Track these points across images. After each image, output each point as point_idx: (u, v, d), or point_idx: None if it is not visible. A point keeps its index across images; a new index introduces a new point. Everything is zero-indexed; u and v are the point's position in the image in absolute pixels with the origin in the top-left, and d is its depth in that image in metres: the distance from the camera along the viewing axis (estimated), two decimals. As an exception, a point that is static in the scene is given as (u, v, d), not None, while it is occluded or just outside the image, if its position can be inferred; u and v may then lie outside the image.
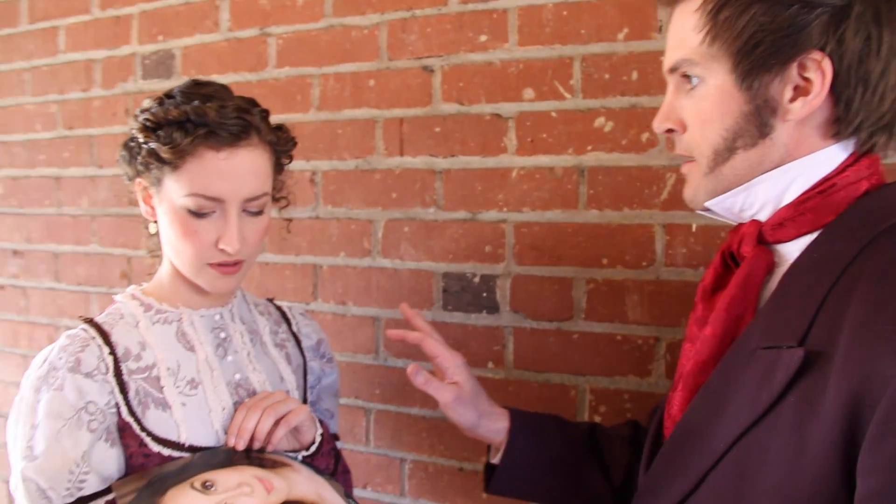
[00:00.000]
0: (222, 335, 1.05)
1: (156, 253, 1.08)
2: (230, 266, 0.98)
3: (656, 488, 0.77)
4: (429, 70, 1.38)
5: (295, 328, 1.18)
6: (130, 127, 1.01)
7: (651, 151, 1.20)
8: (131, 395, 0.95)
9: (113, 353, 0.96)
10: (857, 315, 0.63)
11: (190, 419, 0.97)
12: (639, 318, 1.22)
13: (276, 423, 0.99)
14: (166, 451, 0.94)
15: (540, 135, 1.28)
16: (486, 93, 1.33)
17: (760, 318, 0.72)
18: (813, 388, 0.64)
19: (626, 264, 1.23)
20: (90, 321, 1.00)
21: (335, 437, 1.18)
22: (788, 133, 0.72)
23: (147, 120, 0.97)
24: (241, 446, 0.98)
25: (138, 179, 1.01)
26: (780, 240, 0.75)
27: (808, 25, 0.69)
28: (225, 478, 0.94)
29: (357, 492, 1.37)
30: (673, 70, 0.77)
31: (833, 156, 0.73)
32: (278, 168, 1.05)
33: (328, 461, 1.10)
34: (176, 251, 1.00)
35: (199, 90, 0.99)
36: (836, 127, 0.72)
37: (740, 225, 0.79)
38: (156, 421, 0.95)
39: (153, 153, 0.95)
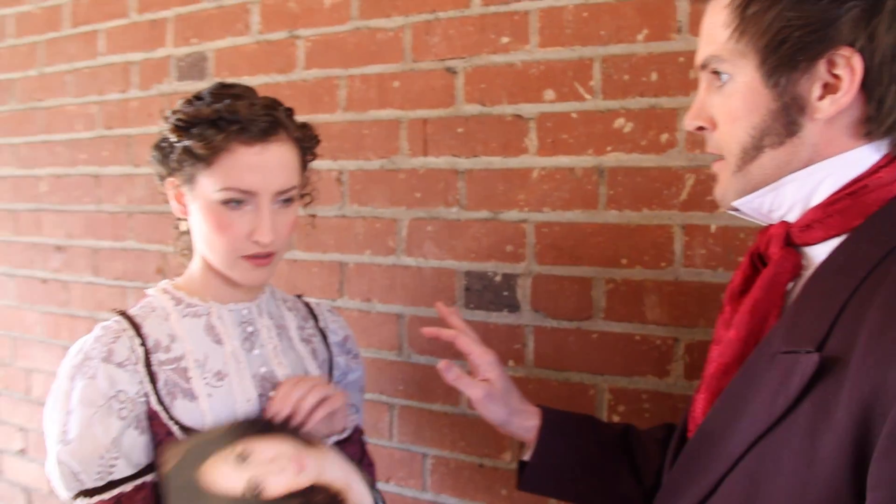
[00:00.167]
0: (249, 329, 1.08)
1: (184, 252, 1.12)
2: (263, 258, 1.02)
3: (676, 490, 0.76)
4: (452, 71, 1.40)
5: (322, 324, 1.20)
6: (161, 129, 1.04)
7: (670, 152, 1.20)
8: (160, 384, 0.99)
9: (144, 344, 1.00)
10: (874, 320, 0.61)
11: (215, 409, 1.00)
12: (657, 319, 1.22)
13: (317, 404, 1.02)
14: (192, 440, 0.98)
15: (560, 135, 1.29)
16: (507, 94, 1.34)
17: (783, 322, 0.71)
18: (827, 396, 0.62)
19: (645, 265, 1.23)
20: (123, 313, 1.04)
21: (360, 432, 1.21)
22: (817, 132, 0.70)
23: (179, 120, 1.01)
24: (282, 414, 1.00)
25: (170, 178, 1.04)
26: (808, 242, 0.73)
27: (837, 20, 0.66)
28: (262, 448, 0.96)
29: (380, 485, 1.39)
30: (703, 67, 0.76)
31: (864, 156, 0.70)
32: (303, 165, 1.08)
33: (356, 450, 1.14)
34: (210, 246, 1.03)
35: (227, 91, 1.03)
36: (868, 126, 0.69)
37: (770, 226, 0.77)
38: (183, 410, 0.99)
39: (187, 151, 0.98)
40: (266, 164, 0.99)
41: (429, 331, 1.05)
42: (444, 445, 1.44)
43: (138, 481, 0.96)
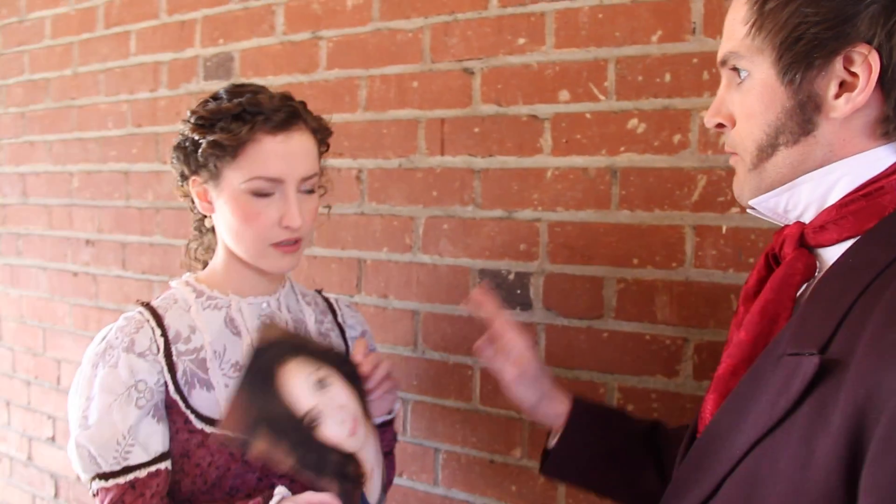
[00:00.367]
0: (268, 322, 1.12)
1: (207, 249, 1.16)
2: (291, 245, 1.05)
3: (681, 490, 0.76)
4: (469, 72, 1.42)
5: (340, 319, 1.23)
6: (181, 130, 1.07)
7: (682, 153, 1.21)
8: (179, 374, 1.02)
9: (164, 335, 1.03)
10: (875, 323, 0.60)
11: (231, 399, 1.04)
12: (667, 319, 1.22)
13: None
14: (209, 429, 1.01)
15: (574, 136, 1.30)
16: (523, 94, 1.36)
17: (792, 324, 0.70)
18: (826, 398, 0.61)
19: (656, 265, 1.23)
20: (146, 305, 1.07)
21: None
22: (833, 131, 0.69)
23: (200, 118, 1.04)
24: (367, 365, 1.07)
25: (193, 177, 1.07)
26: (822, 243, 0.72)
27: (855, 17, 0.65)
28: (339, 390, 1.01)
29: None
30: (723, 63, 0.75)
31: (881, 157, 0.69)
32: (319, 155, 1.11)
33: (390, 438, 1.22)
34: (238, 238, 1.05)
35: (243, 88, 1.06)
36: (885, 126, 0.68)
37: (785, 226, 0.76)
38: (200, 400, 1.02)
39: (214, 145, 1.01)
40: (290, 151, 1.03)
41: (476, 295, 1.06)
42: (455, 441, 1.45)
43: (153, 468, 0.99)
